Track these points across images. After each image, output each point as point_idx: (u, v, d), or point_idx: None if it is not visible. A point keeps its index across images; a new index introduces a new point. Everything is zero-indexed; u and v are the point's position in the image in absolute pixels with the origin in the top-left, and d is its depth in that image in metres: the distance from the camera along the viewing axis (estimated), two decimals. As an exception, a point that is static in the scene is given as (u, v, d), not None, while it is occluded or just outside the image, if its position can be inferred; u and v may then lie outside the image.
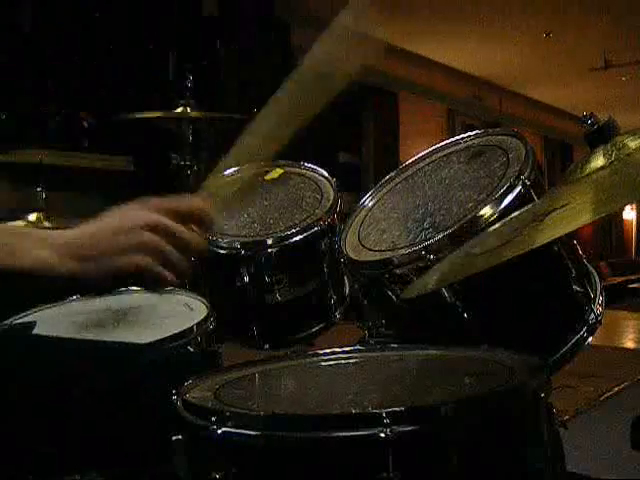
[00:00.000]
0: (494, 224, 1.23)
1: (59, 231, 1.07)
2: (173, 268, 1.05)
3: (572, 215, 0.89)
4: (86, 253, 1.02)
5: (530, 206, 1.22)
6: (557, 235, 0.92)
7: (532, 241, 0.91)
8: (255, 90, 5.45)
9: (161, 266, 1.03)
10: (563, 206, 0.93)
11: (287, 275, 1.71)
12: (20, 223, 2.43)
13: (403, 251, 1.32)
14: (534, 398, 0.91)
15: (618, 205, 0.84)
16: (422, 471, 0.84)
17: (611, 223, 14.67)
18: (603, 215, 0.83)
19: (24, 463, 1.17)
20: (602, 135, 1.18)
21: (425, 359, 1.17)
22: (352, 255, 1.42)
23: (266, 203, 1.84)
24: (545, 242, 0.89)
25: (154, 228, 1.02)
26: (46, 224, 2.48)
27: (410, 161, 1.61)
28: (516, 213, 1.20)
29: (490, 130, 1.56)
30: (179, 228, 1.04)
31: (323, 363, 1.19)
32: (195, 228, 1.09)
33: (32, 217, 2.49)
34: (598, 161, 1.10)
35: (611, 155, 1.09)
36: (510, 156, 1.39)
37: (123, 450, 1.19)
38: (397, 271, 1.30)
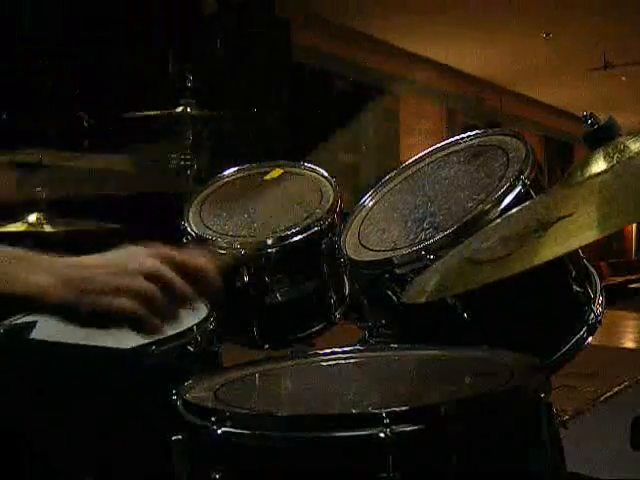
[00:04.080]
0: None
1: (60, 258, 1.04)
2: (161, 318, 1.01)
3: (577, 230, 0.88)
4: (83, 286, 0.98)
5: (533, 203, 1.21)
6: (563, 252, 0.91)
7: (539, 256, 0.90)
8: (255, 90, 5.45)
9: (150, 314, 0.99)
10: (567, 216, 0.92)
11: (287, 275, 1.71)
12: (20, 224, 2.42)
13: (403, 251, 1.32)
14: (534, 398, 0.91)
15: (625, 222, 0.84)
16: (422, 471, 0.84)
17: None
18: (611, 231, 0.82)
19: (24, 463, 1.17)
20: (602, 135, 1.18)
21: (425, 359, 1.17)
22: (352, 255, 1.42)
23: (266, 203, 1.84)
24: (551, 257, 0.88)
25: (153, 276, 1.00)
26: (46, 225, 2.47)
27: (410, 161, 1.61)
28: (517, 208, 1.20)
29: (490, 130, 1.56)
30: (178, 281, 1.01)
31: (323, 363, 1.19)
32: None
33: (32, 217, 2.49)
34: (599, 163, 1.10)
35: (612, 158, 1.09)
36: (510, 156, 1.39)
37: (123, 450, 1.19)
38: (397, 271, 1.30)
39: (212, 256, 1.18)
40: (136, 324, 0.99)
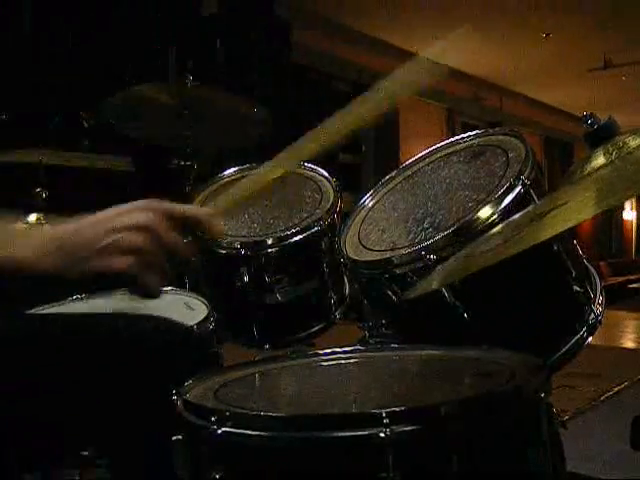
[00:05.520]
0: (494, 224, 1.23)
1: (48, 226, 1.03)
2: (157, 272, 0.98)
3: (572, 211, 0.89)
4: (68, 250, 0.96)
5: (531, 207, 1.22)
6: (557, 231, 0.91)
7: (532, 238, 0.91)
8: (255, 90, 5.45)
9: (145, 269, 0.96)
10: (563, 204, 0.93)
11: (287, 275, 1.71)
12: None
13: (403, 251, 1.32)
14: (534, 398, 0.91)
15: (618, 199, 0.84)
16: (422, 471, 0.84)
17: (611, 223, 14.66)
18: (603, 209, 0.83)
19: (24, 462, 1.17)
20: (602, 135, 1.18)
21: (425, 359, 1.17)
22: (352, 255, 1.42)
23: (266, 203, 1.84)
24: (545, 238, 0.89)
25: (143, 229, 0.96)
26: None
27: (410, 161, 1.61)
28: (517, 215, 1.20)
29: (490, 130, 1.56)
30: (169, 233, 0.97)
31: (323, 363, 1.19)
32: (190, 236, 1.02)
33: (32, 217, 2.49)
34: (599, 160, 1.10)
35: (612, 154, 1.09)
36: (510, 156, 1.39)
37: (124, 450, 1.19)
38: (397, 271, 1.30)
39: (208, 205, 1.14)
40: (131, 281, 0.97)
